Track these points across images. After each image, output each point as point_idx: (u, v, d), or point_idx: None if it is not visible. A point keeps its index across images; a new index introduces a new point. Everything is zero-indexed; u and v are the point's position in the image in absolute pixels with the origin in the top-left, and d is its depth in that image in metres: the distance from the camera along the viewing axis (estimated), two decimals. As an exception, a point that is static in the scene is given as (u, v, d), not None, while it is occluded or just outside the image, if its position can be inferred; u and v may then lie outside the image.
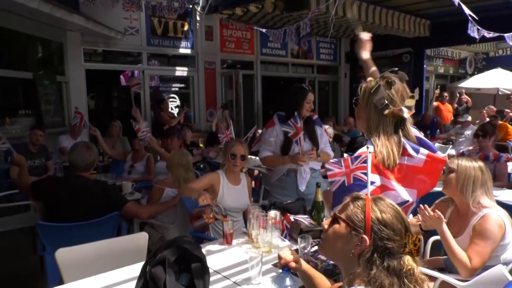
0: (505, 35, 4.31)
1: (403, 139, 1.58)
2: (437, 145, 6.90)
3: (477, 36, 4.10)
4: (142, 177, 4.46)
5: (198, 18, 8.12)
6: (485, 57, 13.12)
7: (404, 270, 1.05)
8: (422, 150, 1.54)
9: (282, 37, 6.21)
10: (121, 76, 9.20)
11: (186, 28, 8.06)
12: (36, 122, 5.77)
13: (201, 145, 7.11)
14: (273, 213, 2.16)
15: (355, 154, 1.62)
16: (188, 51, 8.17)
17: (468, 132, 6.90)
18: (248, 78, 9.18)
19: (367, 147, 1.40)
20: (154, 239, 3.07)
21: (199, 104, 8.44)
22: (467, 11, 3.77)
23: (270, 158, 2.98)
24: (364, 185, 1.47)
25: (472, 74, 12.81)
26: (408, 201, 1.52)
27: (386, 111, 1.58)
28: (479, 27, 4.13)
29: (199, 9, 7.87)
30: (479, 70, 12.90)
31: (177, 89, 8.41)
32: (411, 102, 1.60)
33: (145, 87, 7.75)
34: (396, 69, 1.69)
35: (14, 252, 3.65)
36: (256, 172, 5.22)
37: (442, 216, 1.98)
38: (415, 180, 1.56)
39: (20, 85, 5.88)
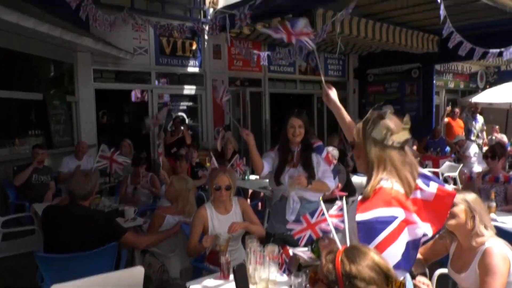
0: (490, 50, 4.35)
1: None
2: (447, 163, 6.78)
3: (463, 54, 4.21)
4: (147, 200, 4.47)
5: (206, 37, 8.20)
6: (496, 71, 12.94)
7: None
8: (432, 183, 1.48)
9: (289, 56, 6.21)
10: (132, 92, 9.33)
11: (194, 47, 8.16)
12: (45, 142, 5.85)
13: (207, 164, 7.11)
14: (271, 247, 2.11)
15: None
16: (196, 69, 8.25)
17: (469, 151, 6.81)
18: (256, 95, 9.21)
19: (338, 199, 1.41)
20: (155, 267, 3.04)
21: (207, 122, 8.48)
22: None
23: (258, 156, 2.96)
24: (373, 223, 1.39)
25: (484, 88, 12.62)
26: (427, 235, 1.46)
27: (389, 142, 1.53)
28: (472, 45, 4.22)
29: (207, 28, 7.95)
30: (491, 84, 12.72)
31: (185, 107, 8.47)
32: (406, 129, 1.56)
33: (154, 106, 7.82)
34: (376, 105, 1.66)
35: (17, 278, 3.63)
36: (262, 194, 5.18)
37: None
38: (427, 213, 1.48)
39: (30, 105, 5.98)
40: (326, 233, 1.43)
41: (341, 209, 1.40)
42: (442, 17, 4.38)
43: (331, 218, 1.46)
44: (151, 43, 7.57)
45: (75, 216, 2.57)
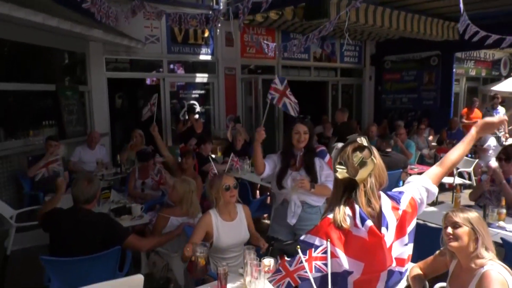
0: (507, 37, 4.19)
1: (356, 206, 1.48)
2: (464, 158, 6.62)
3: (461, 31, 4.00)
4: (155, 193, 4.52)
5: (218, 24, 8.08)
6: (521, 58, 12.44)
7: None
8: (367, 222, 1.43)
9: (304, 44, 6.05)
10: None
11: (206, 34, 8.07)
12: (58, 133, 5.95)
13: (218, 153, 7.12)
14: (267, 261, 2.11)
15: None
16: (209, 57, 8.19)
17: (487, 144, 6.65)
18: (269, 83, 9.07)
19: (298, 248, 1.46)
20: (159, 266, 3.11)
21: (219, 110, 8.46)
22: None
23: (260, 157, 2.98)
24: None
25: (508, 76, 12.15)
26: (351, 272, 1.45)
27: (337, 175, 1.52)
28: (475, 26, 4.00)
29: (219, 15, 7.83)
30: (515, 72, 12.27)
31: (197, 95, 8.45)
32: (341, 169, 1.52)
33: (166, 95, 7.83)
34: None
35: (26, 277, 3.64)
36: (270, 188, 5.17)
37: None
38: (362, 252, 1.45)
39: (43, 96, 6.07)
40: (304, 280, 1.42)
41: (325, 252, 1.38)
42: (462, 11, 4.19)
43: (315, 260, 1.43)
44: (162, 31, 7.52)
45: (78, 220, 2.63)
